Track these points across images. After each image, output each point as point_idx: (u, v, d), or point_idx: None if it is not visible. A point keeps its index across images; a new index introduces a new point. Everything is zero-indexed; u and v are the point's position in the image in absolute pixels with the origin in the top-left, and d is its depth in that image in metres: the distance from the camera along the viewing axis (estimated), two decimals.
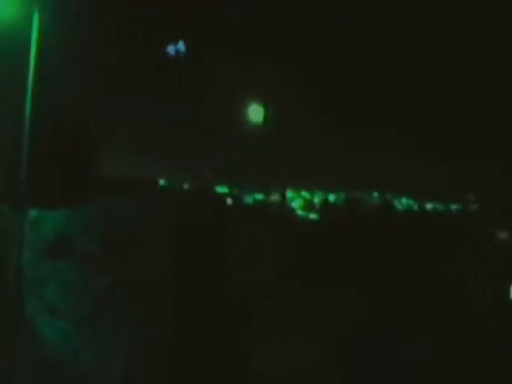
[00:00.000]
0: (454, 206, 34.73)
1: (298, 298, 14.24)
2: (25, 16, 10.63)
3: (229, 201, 34.32)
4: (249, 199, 34.79)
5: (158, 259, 9.20)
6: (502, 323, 14.89)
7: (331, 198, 38.56)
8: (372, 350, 12.39)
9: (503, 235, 22.40)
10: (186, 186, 33.50)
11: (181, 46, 25.83)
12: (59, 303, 9.84)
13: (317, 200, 39.13)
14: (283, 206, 32.16)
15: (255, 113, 30.66)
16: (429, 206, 37.00)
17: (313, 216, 33.53)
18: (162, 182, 29.83)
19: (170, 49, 26.61)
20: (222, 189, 35.13)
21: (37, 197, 10.88)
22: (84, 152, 13.00)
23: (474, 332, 13.90)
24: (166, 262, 9.29)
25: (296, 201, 37.86)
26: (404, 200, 38.62)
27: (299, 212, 35.36)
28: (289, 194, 37.84)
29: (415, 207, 36.83)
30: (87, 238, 9.67)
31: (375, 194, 39.02)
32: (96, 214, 9.70)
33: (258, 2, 30.76)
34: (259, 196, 34.46)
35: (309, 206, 36.75)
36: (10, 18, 10.99)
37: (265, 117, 30.49)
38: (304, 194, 38.79)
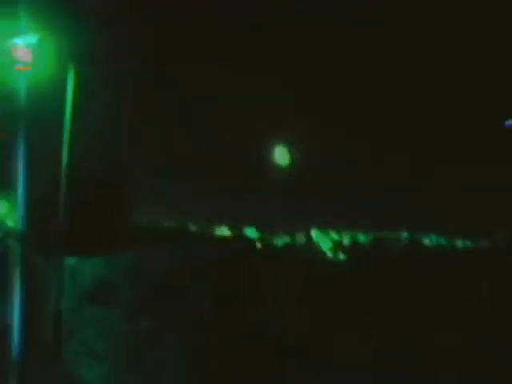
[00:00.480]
0: (483, 242, 34.89)
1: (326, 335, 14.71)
2: (62, 75, 11.33)
3: (258, 244, 34.92)
4: (278, 242, 35.30)
5: (196, 302, 9.73)
6: None
7: (361, 238, 38.91)
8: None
9: None
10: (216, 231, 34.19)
11: None
12: (99, 346, 10.33)
13: (346, 241, 39.51)
14: (311, 249, 32.59)
15: (281, 155, 31.32)
16: (459, 243, 37.20)
17: (342, 257, 33.89)
18: (192, 227, 30.46)
19: None
20: (251, 231, 35.69)
21: (74, 245, 11.43)
22: (118, 200, 13.58)
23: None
24: (204, 303, 9.84)
25: (325, 242, 38.24)
26: (434, 238, 38.89)
27: (328, 253, 35.74)
28: (317, 235, 38.32)
29: (445, 244, 37.04)
30: (128, 285, 10.21)
31: (404, 234, 39.36)
32: (136, 262, 10.26)
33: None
34: (286, 238, 34.96)
35: (338, 247, 37.11)
36: (49, 77, 11.70)
37: (291, 159, 31.14)
38: (333, 234, 39.18)
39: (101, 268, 10.72)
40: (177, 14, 24.51)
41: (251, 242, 34.25)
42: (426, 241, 37.28)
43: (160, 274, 10.24)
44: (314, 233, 38.01)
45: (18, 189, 11.17)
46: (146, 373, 10.01)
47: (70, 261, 11.19)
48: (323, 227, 39.14)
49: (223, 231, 36.63)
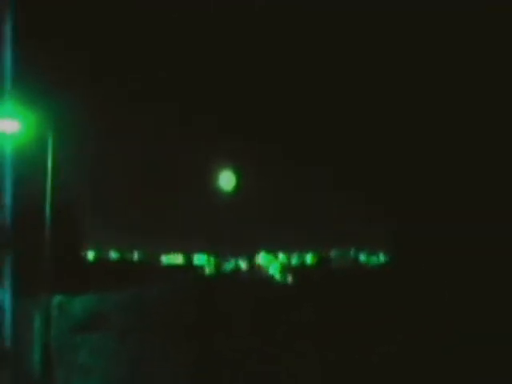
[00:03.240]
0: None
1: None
2: (42, 137, 14.49)
3: (207, 270, 37.75)
4: (227, 266, 38.08)
5: (177, 326, 12.89)
6: None
7: (308, 258, 41.83)
8: None
9: None
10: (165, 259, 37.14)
11: None
12: (92, 365, 13.38)
13: (294, 261, 42.38)
14: (255, 273, 35.41)
15: (226, 181, 33.97)
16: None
17: (289, 279, 36.71)
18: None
19: None
20: (200, 258, 38.55)
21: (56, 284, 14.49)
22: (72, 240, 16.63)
23: None
24: (184, 327, 13.02)
25: (273, 265, 40.95)
26: (381, 256, 41.86)
27: (277, 276, 38.61)
28: (265, 258, 41.25)
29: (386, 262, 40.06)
30: (122, 315, 13.32)
31: (351, 252, 42.24)
32: (129, 297, 13.38)
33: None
34: (233, 264, 37.62)
35: (285, 269, 39.84)
36: (31, 138, 14.85)
37: (236, 184, 33.84)
38: (282, 257, 41.99)
39: (92, 302, 13.78)
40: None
41: (201, 269, 37.17)
42: (368, 258, 40.48)
43: (148, 307, 13.36)
44: (261, 256, 40.94)
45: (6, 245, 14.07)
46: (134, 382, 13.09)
47: (57, 297, 14.24)
48: (271, 250, 42.11)
49: (173, 259, 39.41)
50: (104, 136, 25.95)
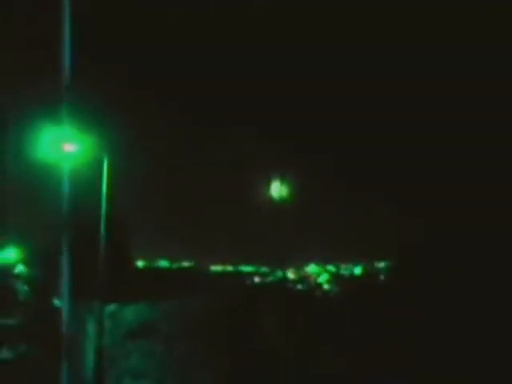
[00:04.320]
0: None
1: None
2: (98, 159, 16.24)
3: (256, 279, 39.26)
4: (275, 276, 39.51)
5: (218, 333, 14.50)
6: None
7: (358, 270, 43.12)
8: None
9: None
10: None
11: None
12: (142, 369, 15.02)
13: (344, 273, 43.74)
14: (304, 282, 36.71)
15: (277, 190, 35.23)
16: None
17: (335, 289, 38.12)
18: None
19: None
20: (247, 268, 40.11)
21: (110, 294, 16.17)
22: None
23: None
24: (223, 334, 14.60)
25: (322, 275, 42.38)
26: None
27: (325, 286, 39.99)
28: (315, 269, 42.67)
29: None
30: (169, 323, 14.97)
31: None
32: (175, 306, 15.05)
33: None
34: (282, 273, 39.00)
35: (334, 279, 41.23)
36: (87, 159, 16.58)
37: (287, 194, 35.08)
38: (330, 268, 43.36)
39: (142, 311, 15.48)
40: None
41: (250, 278, 38.69)
42: None
43: (192, 316, 14.99)
44: (311, 267, 42.36)
45: (64, 255, 15.71)
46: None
47: (110, 306, 15.92)
48: (320, 261, 43.43)
49: (222, 268, 41.01)
50: (153, 152, 27.98)
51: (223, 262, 40.76)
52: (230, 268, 41.01)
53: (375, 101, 35.06)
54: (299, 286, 39.54)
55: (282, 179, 34.58)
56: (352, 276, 41.99)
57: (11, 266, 30.88)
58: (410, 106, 33.95)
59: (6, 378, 17.60)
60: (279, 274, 39.43)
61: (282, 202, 34.77)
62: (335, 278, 41.77)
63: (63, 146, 15.56)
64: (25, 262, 31.14)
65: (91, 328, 16.43)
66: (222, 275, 39.56)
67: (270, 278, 39.57)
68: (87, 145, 16.39)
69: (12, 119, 23.61)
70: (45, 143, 15.77)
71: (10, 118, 23.88)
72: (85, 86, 15.74)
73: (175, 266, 39.09)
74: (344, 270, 43.63)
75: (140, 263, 35.09)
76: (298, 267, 42.47)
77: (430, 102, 32.94)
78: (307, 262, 42.86)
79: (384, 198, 37.66)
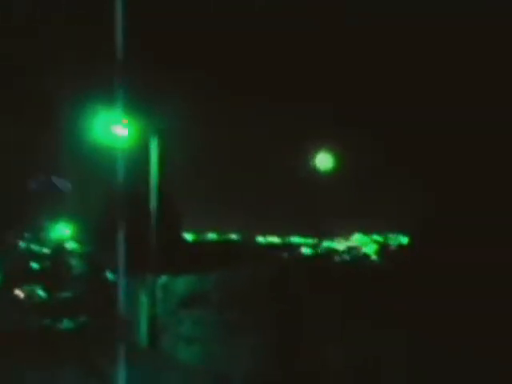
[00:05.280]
0: None
1: None
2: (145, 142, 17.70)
3: (303, 250, 40.46)
4: (322, 247, 40.72)
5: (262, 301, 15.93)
6: None
7: (404, 240, 43.82)
8: None
9: None
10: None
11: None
12: (192, 334, 16.53)
13: (391, 243, 44.52)
14: (351, 253, 37.77)
15: (323, 161, 36.18)
16: None
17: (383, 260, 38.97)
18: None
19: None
20: (296, 239, 41.30)
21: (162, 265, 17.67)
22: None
23: None
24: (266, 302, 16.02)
25: (369, 246, 43.27)
26: None
27: (373, 256, 40.90)
28: (361, 239, 43.65)
29: None
30: (218, 293, 16.44)
31: None
32: (222, 277, 16.51)
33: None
34: (329, 244, 40.02)
35: (381, 250, 42.05)
36: (138, 140, 18.06)
37: (333, 165, 36.04)
38: (376, 237, 44.23)
39: (193, 281, 16.97)
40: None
41: (297, 249, 39.94)
42: None
43: (239, 285, 16.45)
44: (357, 237, 43.33)
45: (119, 232, 17.17)
46: (231, 351, 16.22)
47: (162, 278, 17.46)
48: (367, 231, 44.34)
49: (270, 239, 42.31)
50: (202, 124, 29.50)
51: (271, 234, 42.05)
52: (277, 240, 42.31)
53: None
54: (346, 257, 40.46)
55: (328, 151, 35.56)
56: (400, 246, 42.72)
57: (65, 243, 32.70)
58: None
59: (68, 346, 19.31)
60: (326, 244, 40.64)
61: (328, 172, 35.75)
62: (382, 248, 42.52)
63: (115, 129, 16.97)
64: (78, 238, 32.91)
65: (145, 299, 17.98)
66: (270, 247, 40.90)
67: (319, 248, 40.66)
68: (138, 126, 17.80)
69: (67, 102, 25.15)
70: (98, 126, 17.23)
71: (64, 100, 25.42)
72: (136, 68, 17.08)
73: (223, 238, 40.55)
74: (391, 239, 44.34)
75: (189, 236, 36.67)
76: (346, 237, 43.46)
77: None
78: (353, 231, 43.82)
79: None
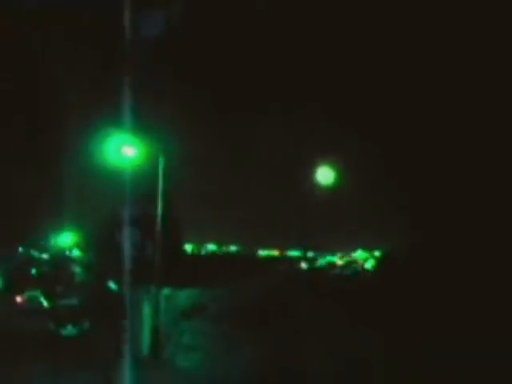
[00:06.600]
0: None
1: None
2: (154, 159, 19.41)
3: (303, 265, 41.66)
4: (321, 262, 41.97)
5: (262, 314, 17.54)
6: None
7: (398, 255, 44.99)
8: None
9: None
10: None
11: None
12: (194, 344, 18.20)
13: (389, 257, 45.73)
14: (350, 268, 39.04)
15: (324, 175, 37.19)
16: None
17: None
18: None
19: None
20: (295, 252, 42.47)
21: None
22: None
23: None
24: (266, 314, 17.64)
25: (369, 261, 44.47)
26: None
27: (370, 271, 42.18)
28: (362, 254, 44.87)
29: None
30: (217, 305, 18.11)
31: None
32: (222, 291, 18.26)
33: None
34: (328, 259, 41.21)
35: (380, 265, 43.26)
36: (144, 161, 19.76)
37: (334, 179, 37.09)
38: (377, 253, 45.41)
39: (194, 295, 18.80)
40: None
41: (296, 263, 41.15)
42: None
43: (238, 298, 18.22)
44: (358, 253, 44.52)
45: (125, 244, 18.94)
46: (227, 359, 17.83)
47: (165, 291, 19.21)
48: (368, 247, 45.38)
49: (269, 253, 43.42)
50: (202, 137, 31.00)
51: (270, 247, 43.14)
52: (276, 253, 43.48)
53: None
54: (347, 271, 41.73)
55: (329, 165, 36.54)
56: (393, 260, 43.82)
57: (68, 250, 34.20)
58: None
59: (72, 352, 20.85)
60: (326, 259, 41.90)
61: (329, 187, 36.74)
62: (381, 262, 43.72)
63: (123, 150, 18.73)
64: (80, 246, 34.37)
65: (148, 310, 19.66)
66: (268, 260, 42.05)
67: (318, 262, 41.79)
68: (145, 148, 19.50)
69: (77, 121, 26.69)
70: (109, 147, 19.02)
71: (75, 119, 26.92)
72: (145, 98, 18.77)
73: (223, 250, 41.75)
74: (388, 254, 45.42)
75: (188, 247, 37.94)
76: (345, 253, 44.64)
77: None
78: (354, 247, 44.90)
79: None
